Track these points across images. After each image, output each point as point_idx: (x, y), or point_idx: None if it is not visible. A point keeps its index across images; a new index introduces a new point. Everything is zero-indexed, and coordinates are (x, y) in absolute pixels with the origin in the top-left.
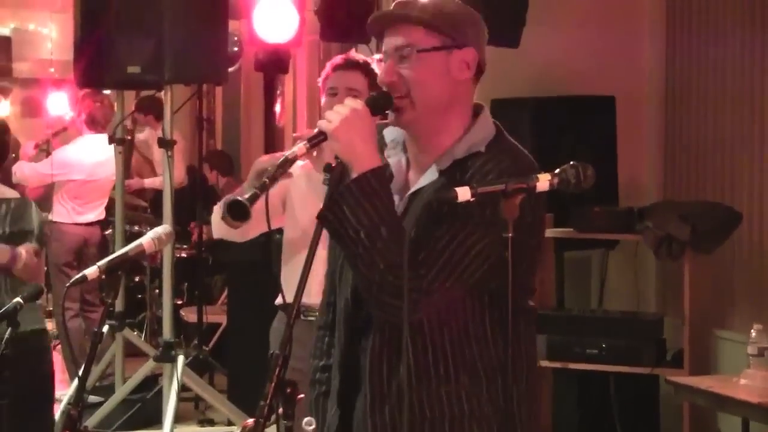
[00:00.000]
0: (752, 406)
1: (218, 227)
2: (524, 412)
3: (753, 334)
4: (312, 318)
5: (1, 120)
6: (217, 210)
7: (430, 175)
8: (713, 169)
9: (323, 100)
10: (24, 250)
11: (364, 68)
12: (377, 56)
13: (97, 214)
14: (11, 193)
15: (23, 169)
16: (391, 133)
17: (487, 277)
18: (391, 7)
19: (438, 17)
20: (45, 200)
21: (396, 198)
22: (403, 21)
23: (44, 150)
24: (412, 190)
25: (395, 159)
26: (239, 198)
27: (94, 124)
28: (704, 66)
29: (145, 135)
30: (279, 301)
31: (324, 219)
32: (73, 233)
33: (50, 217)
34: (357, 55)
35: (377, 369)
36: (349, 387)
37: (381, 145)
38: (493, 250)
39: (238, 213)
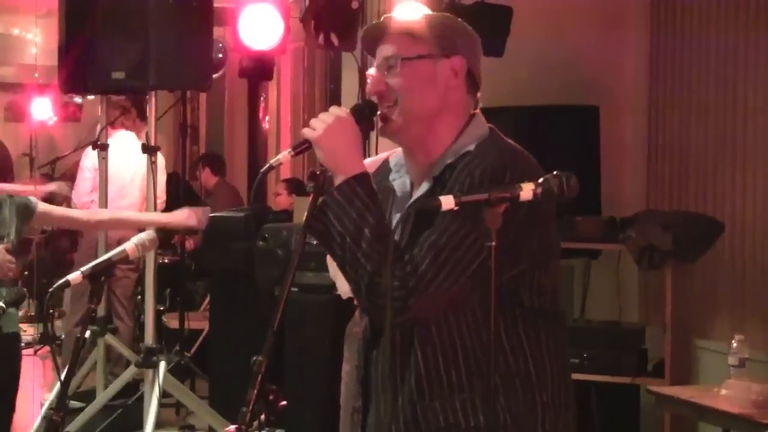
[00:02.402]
0: (733, 417)
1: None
2: (549, 423)
3: (734, 344)
4: None
5: None
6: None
7: (425, 186)
8: (696, 179)
9: None
10: None
11: None
12: (371, 71)
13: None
14: None
15: (74, 199)
16: (394, 159)
17: (482, 274)
18: (375, 25)
19: (424, 26)
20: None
21: (398, 216)
22: (389, 31)
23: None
24: (409, 203)
25: (400, 181)
26: None
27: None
28: (687, 77)
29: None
30: None
31: (310, 228)
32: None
33: None
34: None
35: (389, 380)
36: (368, 400)
37: (386, 171)
38: (484, 244)
39: None
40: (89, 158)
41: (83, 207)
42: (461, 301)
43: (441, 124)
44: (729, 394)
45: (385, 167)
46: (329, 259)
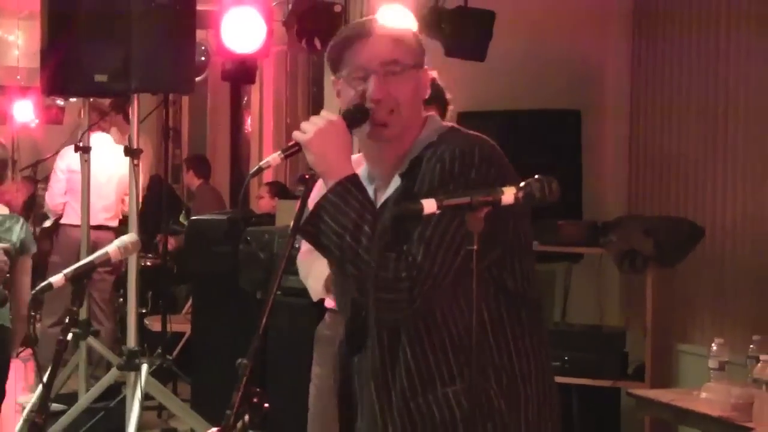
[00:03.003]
0: (713, 420)
1: (319, 296)
2: (532, 416)
3: (714, 348)
4: None
5: None
6: (321, 290)
7: (394, 184)
8: (677, 184)
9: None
10: None
11: None
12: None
13: (107, 217)
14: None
15: (47, 200)
16: (360, 173)
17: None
18: (361, 25)
19: (410, 38)
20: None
21: None
22: (386, 37)
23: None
24: (380, 203)
25: None
26: None
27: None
28: (668, 82)
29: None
30: (329, 303)
31: (305, 233)
32: (77, 236)
33: (61, 220)
34: None
35: (381, 378)
36: (351, 410)
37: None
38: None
39: None
40: (63, 160)
41: (56, 208)
42: (454, 298)
43: (411, 130)
44: (709, 398)
45: None
46: (300, 261)
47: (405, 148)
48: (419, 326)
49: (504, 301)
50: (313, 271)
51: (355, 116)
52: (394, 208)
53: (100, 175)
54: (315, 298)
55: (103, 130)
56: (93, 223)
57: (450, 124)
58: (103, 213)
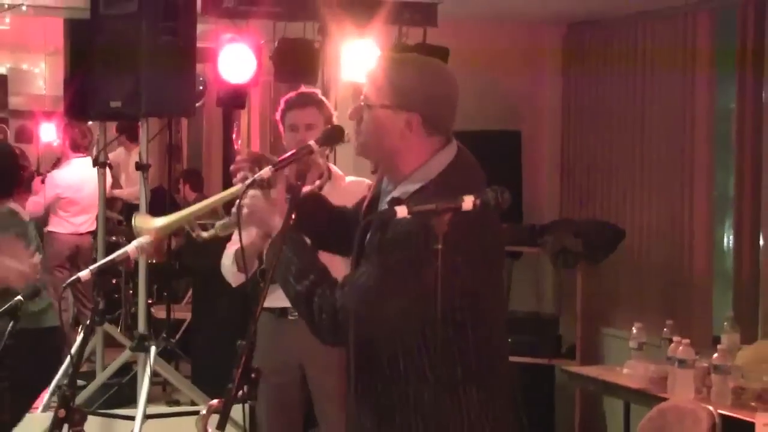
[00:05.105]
0: (633, 392)
1: (235, 278)
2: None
3: (634, 331)
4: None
5: (8, 146)
6: (230, 264)
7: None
8: (602, 193)
9: (285, 134)
10: None
11: (318, 104)
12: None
13: (88, 225)
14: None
15: (28, 205)
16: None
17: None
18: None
19: (386, 86)
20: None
21: None
22: (368, 79)
23: (39, 174)
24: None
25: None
26: None
27: (77, 147)
28: (594, 107)
29: (115, 155)
30: None
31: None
32: (65, 241)
33: (48, 228)
34: (309, 89)
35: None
36: None
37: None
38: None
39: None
40: (52, 186)
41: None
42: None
43: (399, 161)
44: (629, 373)
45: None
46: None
47: (398, 180)
48: (370, 342)
49: (450, 331)
50: (228, 255)
51: (332, 134)
52: (372, 214)
53: (85, 194)
54: (234, 281)
55: (84, 151)
56: (77, 232)
57: (451, 163)
58: (86, 224)
